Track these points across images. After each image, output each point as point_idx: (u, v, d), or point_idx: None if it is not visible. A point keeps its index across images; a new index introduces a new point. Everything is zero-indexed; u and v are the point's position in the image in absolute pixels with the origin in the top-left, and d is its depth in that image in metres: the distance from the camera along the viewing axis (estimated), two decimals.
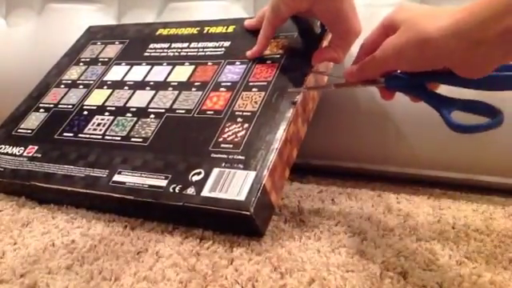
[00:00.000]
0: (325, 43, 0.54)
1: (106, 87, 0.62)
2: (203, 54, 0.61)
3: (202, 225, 0.46)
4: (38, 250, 0.44)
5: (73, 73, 0.66)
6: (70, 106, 0.61)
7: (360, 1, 0.66)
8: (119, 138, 0.54)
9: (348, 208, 0.52)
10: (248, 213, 0.41)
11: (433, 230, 0.46)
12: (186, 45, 0.63)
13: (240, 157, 0.46)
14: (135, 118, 0.55)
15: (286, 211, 0.51)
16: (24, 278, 0.39)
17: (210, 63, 0.59)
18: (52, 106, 0.62)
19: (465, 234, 0.46)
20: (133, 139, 0.53)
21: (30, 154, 0.56)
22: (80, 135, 0.56)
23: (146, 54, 0.65)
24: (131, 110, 0.57)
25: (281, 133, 0.47)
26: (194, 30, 0.66)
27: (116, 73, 0.63)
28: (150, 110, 0.56)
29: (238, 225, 0.43)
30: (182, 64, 0.61)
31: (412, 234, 0.45)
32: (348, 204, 0.53)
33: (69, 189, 0.50)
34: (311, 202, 0.54)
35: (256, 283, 0.37)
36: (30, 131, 0.59)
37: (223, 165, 0.46)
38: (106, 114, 0.57)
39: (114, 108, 0.58)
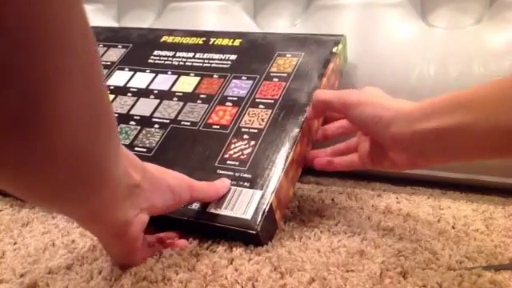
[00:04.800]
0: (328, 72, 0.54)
1: (108, 92, 0.61)
2: (209, 65, 0.60)
3: (203, 235, 0.45)
4: (37, 250, 0.44)
5: None
6: None
7: (360, 1, 0.67)
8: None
9: (348, 208, 0.52)
10: (254, 232, 0.42)
11: (433, 230, 0.46)
12: (191, 54, 0.63)
13: (246, 175, 0.46)
14: (139, 127, 0.55)
15: (286, 211, 0.51)
16: (24, 278, 0.39)
17: (215, 76, 0.59)
18: None
19: (465, 233, 0.46)
20: (136, 148, 0.52)
21: None
22: None
23: (150, 60, 0.64)
24: (135, 118, 0.56)
25: (287, 152, 0.47)
26: (200, 40, 0.65)
27: (119, 78, 0.62)
28: (154, 119, 0.55)
29: (242, 239, 0.43)
30: (187, 74, 0.60)
31: (412, 234, 0.45)
32: (348, 204, 0.53)
33: None
34: (311, 202, 0.54)
35: (256, 283, 0.37)
36: None
37: (229, 182, 0.46)
38: None
39: (116, 115, 0.57)
